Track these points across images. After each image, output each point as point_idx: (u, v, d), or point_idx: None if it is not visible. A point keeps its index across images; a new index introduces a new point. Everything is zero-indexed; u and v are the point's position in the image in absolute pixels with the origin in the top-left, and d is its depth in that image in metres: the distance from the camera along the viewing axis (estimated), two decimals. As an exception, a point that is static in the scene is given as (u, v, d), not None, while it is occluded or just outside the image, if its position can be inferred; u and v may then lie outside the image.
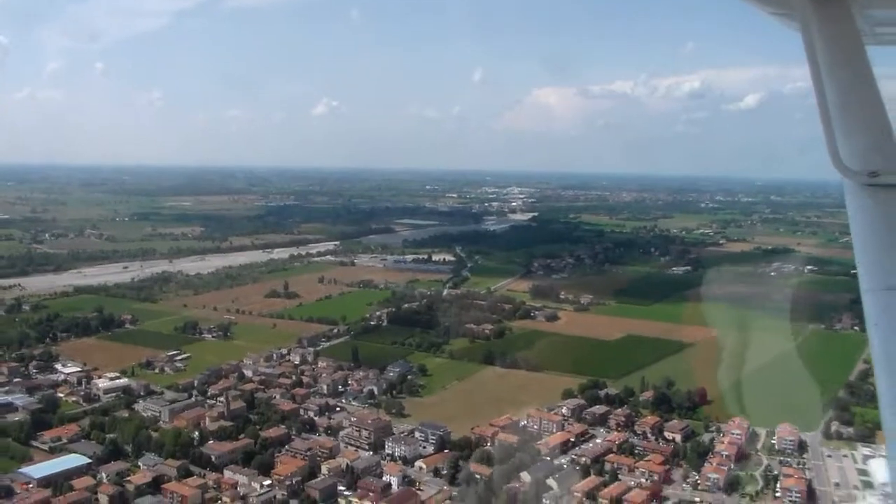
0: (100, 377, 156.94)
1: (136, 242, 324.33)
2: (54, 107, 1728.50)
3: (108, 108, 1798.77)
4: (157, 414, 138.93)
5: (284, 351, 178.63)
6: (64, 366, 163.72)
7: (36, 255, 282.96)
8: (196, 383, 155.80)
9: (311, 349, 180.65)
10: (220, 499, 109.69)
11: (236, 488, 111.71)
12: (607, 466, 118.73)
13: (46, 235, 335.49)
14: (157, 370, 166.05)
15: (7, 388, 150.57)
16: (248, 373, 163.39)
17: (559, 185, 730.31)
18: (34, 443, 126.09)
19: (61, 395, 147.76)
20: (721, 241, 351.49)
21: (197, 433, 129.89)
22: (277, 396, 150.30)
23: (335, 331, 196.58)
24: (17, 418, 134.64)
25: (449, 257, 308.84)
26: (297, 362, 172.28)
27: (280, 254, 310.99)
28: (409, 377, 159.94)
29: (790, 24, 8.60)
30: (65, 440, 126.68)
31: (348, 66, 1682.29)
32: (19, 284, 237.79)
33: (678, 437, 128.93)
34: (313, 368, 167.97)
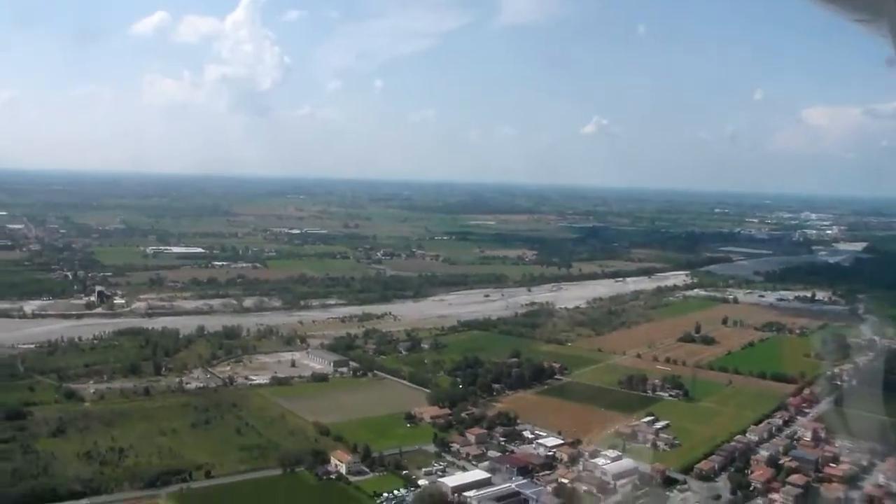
0: (593, 455, 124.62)
1: (475, 266, 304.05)
2: (330, 124, 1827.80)
3: (381, 126, 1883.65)
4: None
5: (779, 421, 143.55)
6: (532, 434, 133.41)
7: (387, 280, 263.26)
8: (716, 468, 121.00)
9: (803, 418, 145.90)
10: None
11: None
12: None
13: (380, 255, 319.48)
14: (644, 443, 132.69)
15: (487, 462, 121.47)
16: (767, 452, 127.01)
17: (850, 211, 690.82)
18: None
19: (564, 480, 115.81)
20: None
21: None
22: (842, 495, 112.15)
23: (807, 393, 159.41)
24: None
25: (820, 294, 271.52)
26: (808, 438, 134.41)
27: (637, 284, 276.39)
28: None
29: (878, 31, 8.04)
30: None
31: (620, 84, 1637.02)
32: (390, 313, 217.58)
33: None
34: (839, 449, 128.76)
